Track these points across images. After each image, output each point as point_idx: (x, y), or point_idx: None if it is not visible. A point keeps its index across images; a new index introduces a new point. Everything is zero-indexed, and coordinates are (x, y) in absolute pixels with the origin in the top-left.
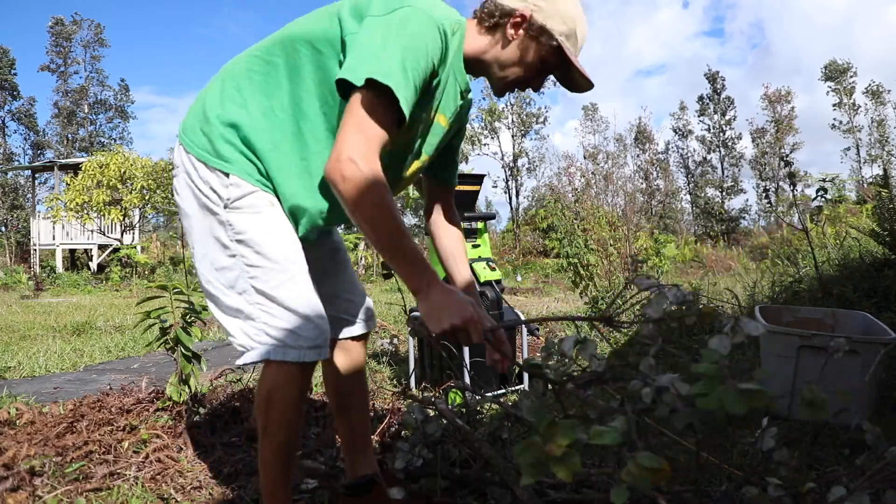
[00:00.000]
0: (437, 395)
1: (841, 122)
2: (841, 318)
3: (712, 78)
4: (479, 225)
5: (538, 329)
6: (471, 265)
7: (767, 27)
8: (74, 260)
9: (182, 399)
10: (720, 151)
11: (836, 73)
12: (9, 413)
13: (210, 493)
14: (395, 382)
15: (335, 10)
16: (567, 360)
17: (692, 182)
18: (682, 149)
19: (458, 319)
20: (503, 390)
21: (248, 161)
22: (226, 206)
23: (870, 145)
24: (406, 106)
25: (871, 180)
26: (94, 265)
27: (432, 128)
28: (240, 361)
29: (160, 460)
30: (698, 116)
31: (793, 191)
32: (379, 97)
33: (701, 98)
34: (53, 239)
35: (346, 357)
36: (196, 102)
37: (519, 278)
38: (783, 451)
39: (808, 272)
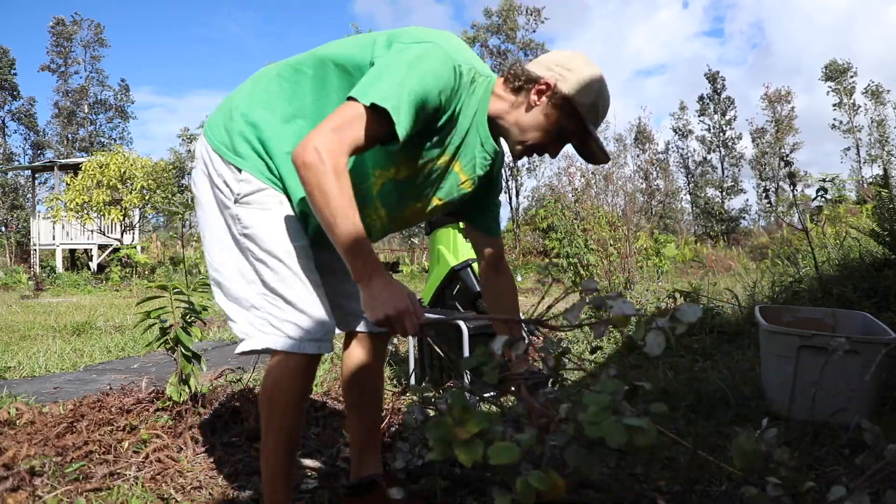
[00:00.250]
0: (438, 395)
1: (841, 122)
2: (841, 318)
3: (712, 78)
4: None
5: (537, 329)
6: (470, 265)
7: (767, 27)
8: (74, 260)
9: (182, 399)
10: (720, 151)
11: (836, 73)
12: (9, 413)
13: (210, 493)
14: (395, 382)
15: (372, 39)
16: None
17: (692, 182)
18: (682, 149)
19: (392, 310)
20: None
21: (261, 160)
22: (236, 201)
23: (870, 145)
24: (401, 127)
25: (871, 180)
26: (94, 265)
27: (448, 175)
28: (239, 349)
29: (160, 460)
30: (698, 116)
31: (793, 191)
32: (371, 112)
33: (701, 98)
34: (53, 239)
35: (363, 352)
36: (225, 100)
37: (519, 278)
38: (783, 451)
39: (808, 272)
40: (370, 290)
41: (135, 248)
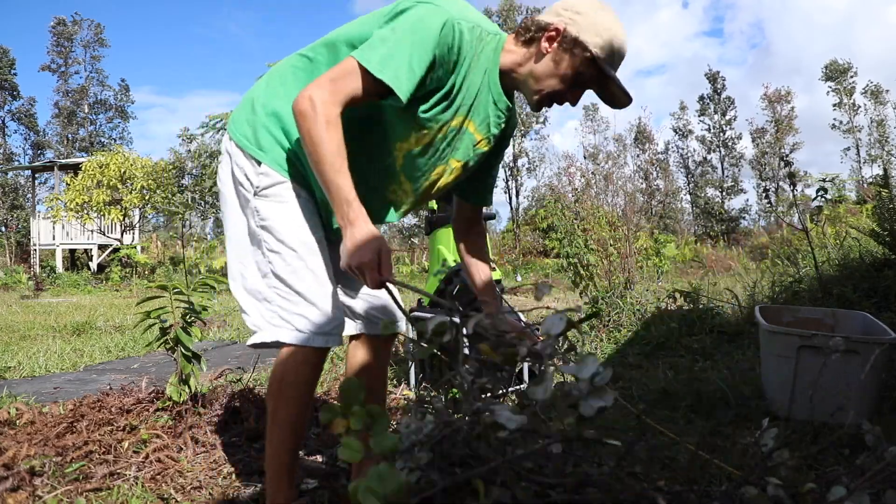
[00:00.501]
0: (437, 394)
1: (841, 122)
2: (841, 318)
3: (713, 78)
4: None
5: (537, 329)
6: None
7: (767, 27)
8: (74, 260)
9: (182, 399)
10: (720, 151)
11: (836, 73)
12: (9, 413)
13: (210, 493)
14: (394, 382)
15: (377, 12)
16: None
17: (692, 182)
18: (682, 149)
19: (355, 261)
20: (502, 391)
21: (284, 151)
22: (255, 194)
23: (870, 145)
24: (402, 90)
25: (871, 180)
26: (94, 265)
27: (461, 135)
28: (250, 341)
29: (160, 460)
30: (698, 116)
31: (793, 191)
32: (365, 70)
33: (701, 98)
34: (53, 239)
35: (366, 353)
36: (245, 96)
37: (519, 278)
38: (783, 451)
39: (808, 272)
40: (347, 238)
41: (135, 248)
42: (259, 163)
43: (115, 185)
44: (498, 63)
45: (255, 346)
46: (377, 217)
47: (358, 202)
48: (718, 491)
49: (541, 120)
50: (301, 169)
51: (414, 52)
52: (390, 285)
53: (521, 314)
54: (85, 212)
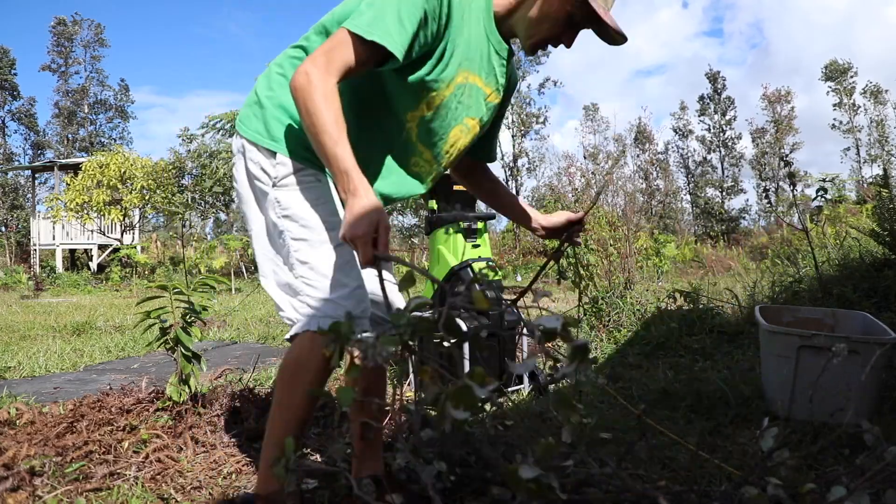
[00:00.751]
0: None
1: (841, 122)
2: (841, 318)
3: (713, 78)
4: (480, 225)
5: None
6: (470, 265)
7: (767, 27)
8: (74, 260)
9: (182, 399)
10: (720, 151)
11: (836, 74)
12: (9, 413)
13: (210, 493)
14: (394, 382)
15: None
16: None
17: (692, 182)
18: (682, 149)
19: (349, 233)
20: (502, 391)
21: (297, 139)
22: (274, 185)
23: (870, 145)
24: (396, 46)
25: (871, 180)
26: (94, 265)
27: (470, 91)
28: (288, 335)
29: (160, 460)
30: (699, 116)
31: (793, 191)
32: (356, 36)
33: (701, 98)
34: (53, 239)
35: None
36: (250, 95)
37: (519, 278)
38: (783, 451)
39: (808, 272)
40: (347, 209)
41: (135, 248)
42: (274, 154)
43: (115, 185)
44: (491, 10)
45: (292, 337)
46: (404, 190)
47: (358, 172)
48: (718, 491)
49: (541, 120)
50: (315, 155)
51: (402, 8)
52: (386, 276)
53: (521, 314)
54: (85, 212)
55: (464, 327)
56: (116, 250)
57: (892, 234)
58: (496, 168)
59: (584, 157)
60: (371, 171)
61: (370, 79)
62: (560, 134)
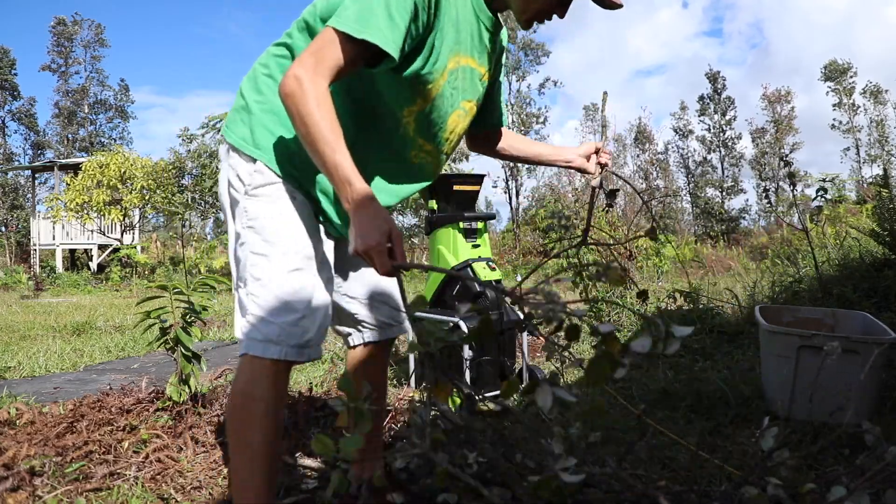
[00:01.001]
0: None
1: (841, 122)
2: (841, 318)
3: (713, 78)
4: (480, 225)
5: (537, 329)
6: (471, 265)
7: (766, 27)
8: (74, 260)
9: (182, 399)
10: (720, 151)
11: (835, 74)
12: (9, 413)
13: (210, 493)
14: (395, 382)
15: None
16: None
17: (692, 182)
18: (682, 149)
19: (362, 245)
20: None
21: (284, 149)
22: (246, 193)
23: (870, 145)
24: (389, 44)
25: (871, 180)
26: (94, 265)
27: (461, 73)
28: (239, 353)
29: (160, 460)
30: (699, 116)
31: (793, 191)
32: (344, 35)
33: (701, 98)
34: (53, 239)
35: (366, 358)
36: (236, 97)
37: (518, 278)
38: (783, 451)
39: (808, 272)
40: (354, 220)
41: (135, 248)
42: (254, 160)
43: (115, 185)
44: None
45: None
46: (402, 195)
47: (360, 180)
48: (718, 491)
49: (541, 120)
50: (299, 170)
51: (391, 1)
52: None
53: (521, 314)
54: (85, 212)
55: (464, 328)
56: (116, 250)
57: (892, 234)
58: (497, 168)
59: None
60: (369, 172)
61: (361, 77)
62: (560, 134)
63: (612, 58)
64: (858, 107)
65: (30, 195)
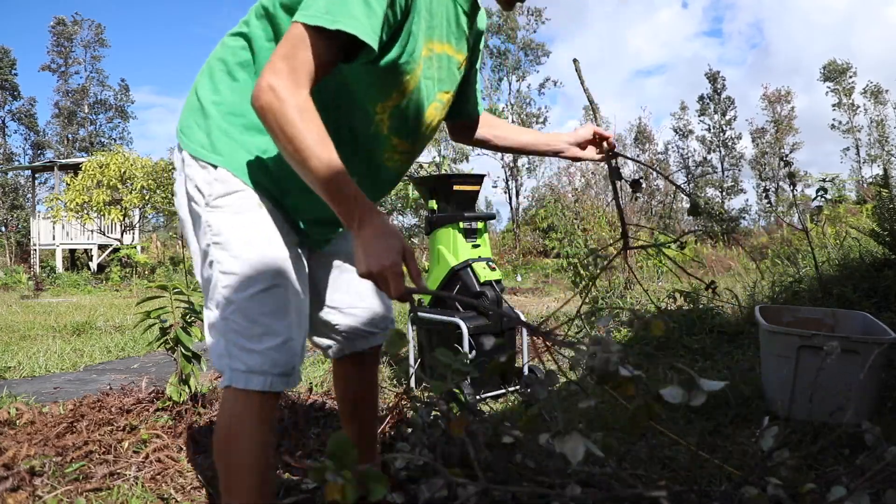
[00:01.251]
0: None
1: (841, 123)
2: (841, 318)
3: (713, 78)
4: (479, 225)
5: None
6: (471, 265)
7: (766, 27)
8: (74, 260)
9: (182, 399)
10: (720, 151)
11: (834, 74)
12: (9, 413)
13: (210, 493)
14: (394, 382)
15: None
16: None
17: (692, 182)
18: (683, 149)
19: (375, 267)
20: (503, 390)
21: (246, 154)
22: (207, 204)
23: (869, 145)
24: (367, 33)
25: (871, 180)
26: (94, 265)
27: (437, 61)
28: (221, 385)
29: (160, 460)
30: (699, 116)
31: (793, 191)
32: (315, 30)
33: (701, 98)
34: (53, 239)
35: (354, 369)
36: (189, 98)
37: (519, 278)
38: (783, 451)
39: (808, 272)
40: (359, 240)
41: (135, 248)
42: (215, 167)
43: (115, 185)
44: None
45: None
46: (382, 191)
47: (363, 196)
48: (718, 491)
49: (541, 120)
50: (266, 176)
51: None
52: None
53: (520, 313)
54: (85, 212)
55: (464, 327)
56: (116, 250)
57: (892, 234)
58: (497, 168)
59: None
60: None
61: (335, 76)
62: None
63: (612, 58)
64: (858, 107)
65: (30, 195)
